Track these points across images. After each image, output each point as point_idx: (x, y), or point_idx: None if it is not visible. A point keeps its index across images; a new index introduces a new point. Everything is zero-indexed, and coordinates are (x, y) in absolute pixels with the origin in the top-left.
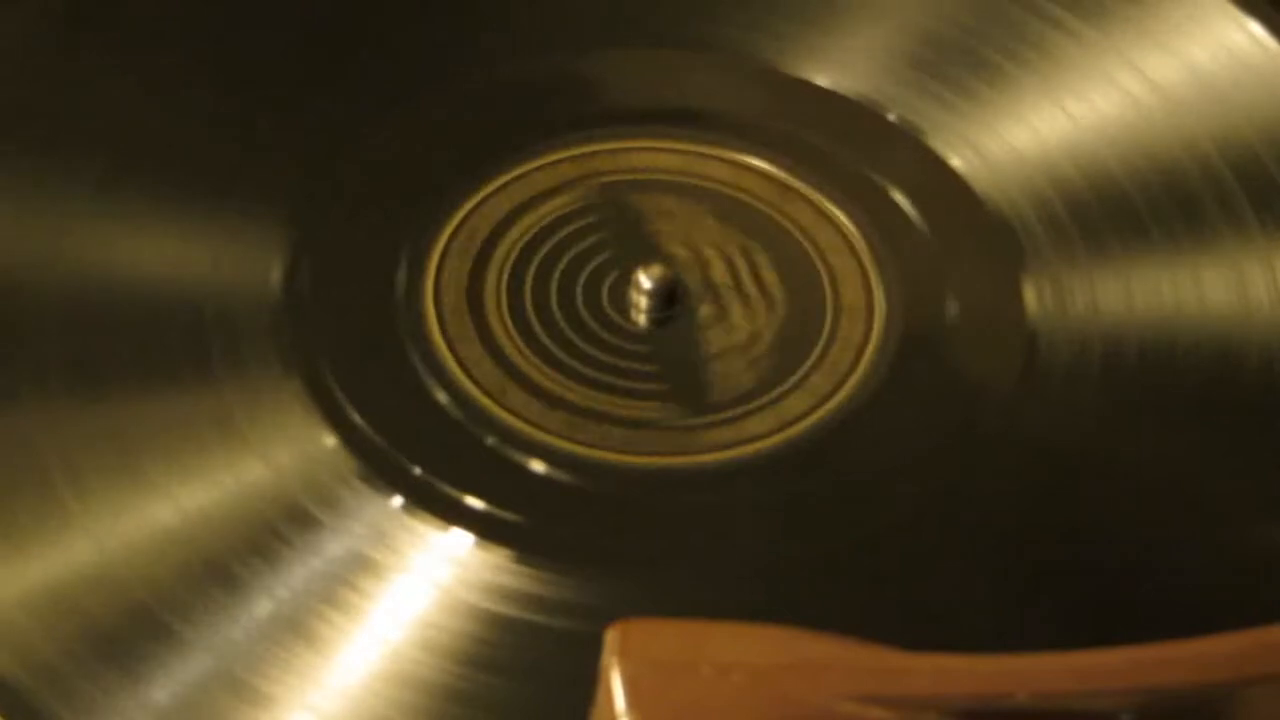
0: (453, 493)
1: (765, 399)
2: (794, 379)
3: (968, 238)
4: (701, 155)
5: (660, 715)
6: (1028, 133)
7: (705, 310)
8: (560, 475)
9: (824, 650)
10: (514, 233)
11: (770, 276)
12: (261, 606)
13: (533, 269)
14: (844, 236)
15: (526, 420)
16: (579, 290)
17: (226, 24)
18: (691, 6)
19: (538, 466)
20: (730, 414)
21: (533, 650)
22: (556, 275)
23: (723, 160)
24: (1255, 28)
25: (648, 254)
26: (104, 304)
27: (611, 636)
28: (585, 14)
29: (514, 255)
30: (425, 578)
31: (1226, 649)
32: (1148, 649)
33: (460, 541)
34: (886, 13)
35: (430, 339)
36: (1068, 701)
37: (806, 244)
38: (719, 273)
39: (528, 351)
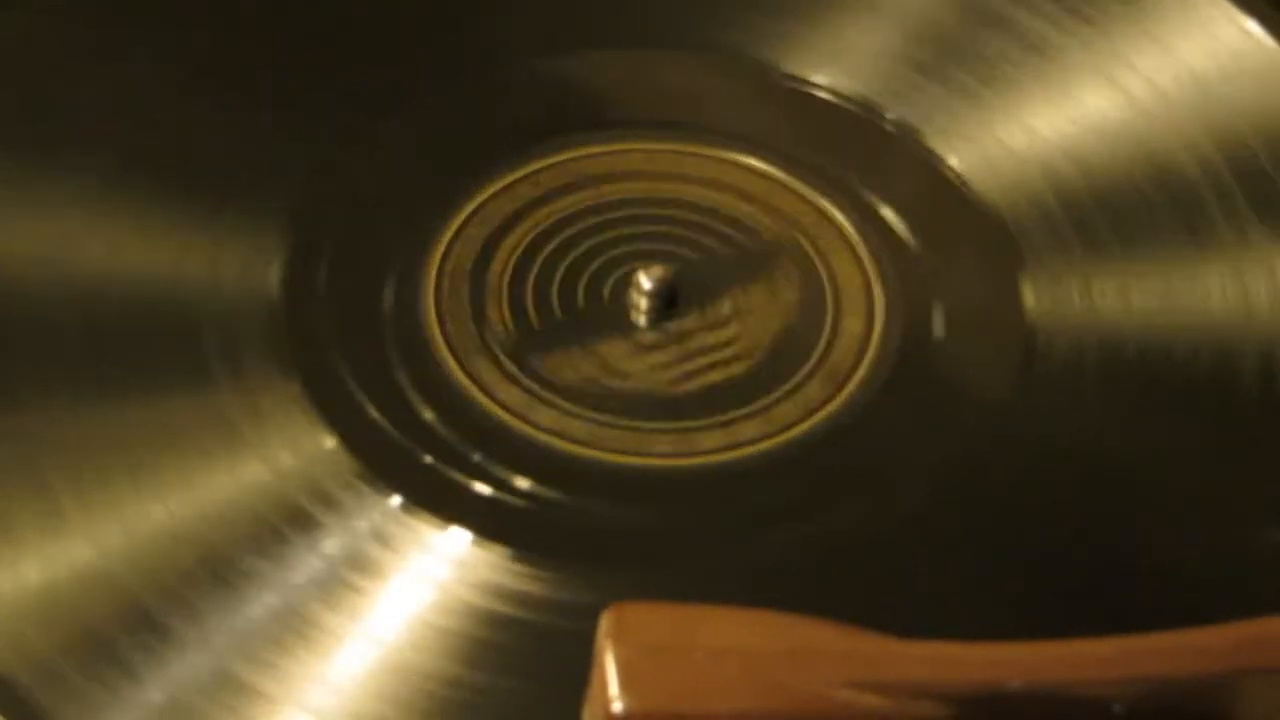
0: (451, 492)
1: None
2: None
3: (966, 238)
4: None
5: (653, 699)
6: (1026, 133)
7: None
8: (558, 475)
9: (819, 636)
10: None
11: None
12: (261, 606)
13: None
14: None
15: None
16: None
17: (226, 24)
18: (689, 7)
19: (535, 466)
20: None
21: (531, 649)
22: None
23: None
24: (1253, 27)
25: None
26: (104, 305)
27: (606, 620)
28: (583, 16)
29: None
30: (424, 577)
31: (1221, 640)
32: (1142, 639)
33: (459, 540)
34: (885, 13)
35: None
36: (1061, 690)
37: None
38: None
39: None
